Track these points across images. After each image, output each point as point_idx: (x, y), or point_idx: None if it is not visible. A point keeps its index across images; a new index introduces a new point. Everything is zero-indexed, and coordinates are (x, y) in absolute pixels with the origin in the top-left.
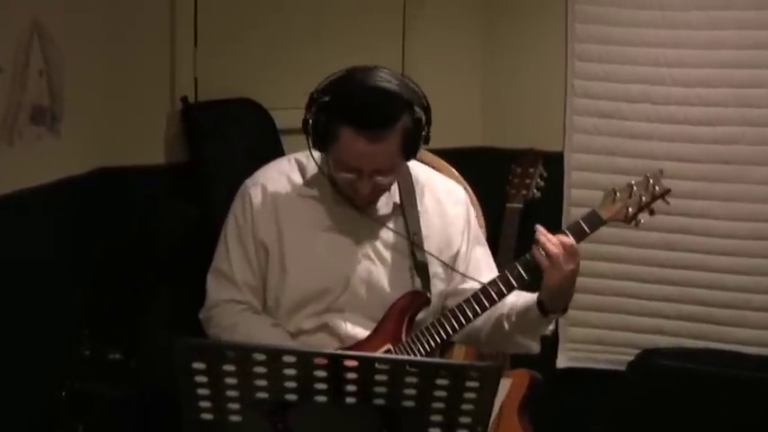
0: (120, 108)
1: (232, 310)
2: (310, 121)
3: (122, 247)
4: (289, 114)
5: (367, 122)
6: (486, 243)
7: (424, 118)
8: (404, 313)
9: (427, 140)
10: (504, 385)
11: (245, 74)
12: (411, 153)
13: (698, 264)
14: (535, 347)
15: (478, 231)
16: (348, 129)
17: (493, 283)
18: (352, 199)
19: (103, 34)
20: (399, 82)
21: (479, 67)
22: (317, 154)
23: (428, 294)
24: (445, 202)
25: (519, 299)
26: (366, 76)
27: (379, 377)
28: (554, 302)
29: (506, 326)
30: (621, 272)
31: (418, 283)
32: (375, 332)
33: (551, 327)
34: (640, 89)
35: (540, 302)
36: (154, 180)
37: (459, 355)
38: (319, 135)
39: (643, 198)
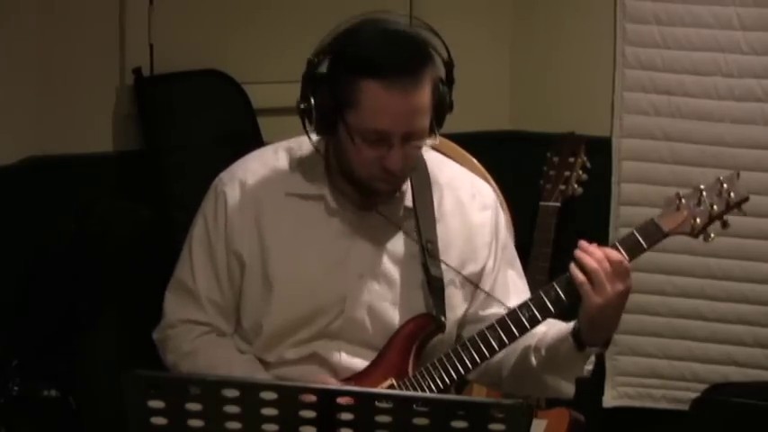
0: (58, 83)
1: (191, 334)
2: (311, 96)
3: (59, 255)
4: (267, 90)
5: (397, 69)
6: (518, 260)
7: (444, 75)
8: (411, 341)
9: (451, 106)
10: (538, 428)
11: (212, 40)
12: (440, 117)
13: None
14: (567, 390)
15: (510, 245)
16: (373, 83)
17: (524, 306)
18: (375, 189)
19: None
20: (416, 29)
21: (507, 32)
22: (315, 138)
23: (442, 318)
24: (469, 206)
25: (551, 328)
26: (379, 23)
27: (380, 418)
28: (593, 333)
29: (534, 361)
30: (684, 287)
31: (431, 305)
32: (375, 364)
33: (590, 366)
34: (708, 58)
35: (575, 333)
36: (99, 172)
37: (479, 395)
38: (326, 111)
39: (714, 207)
